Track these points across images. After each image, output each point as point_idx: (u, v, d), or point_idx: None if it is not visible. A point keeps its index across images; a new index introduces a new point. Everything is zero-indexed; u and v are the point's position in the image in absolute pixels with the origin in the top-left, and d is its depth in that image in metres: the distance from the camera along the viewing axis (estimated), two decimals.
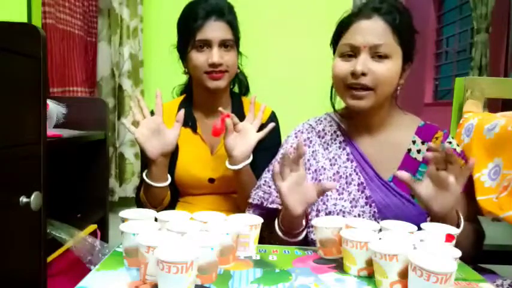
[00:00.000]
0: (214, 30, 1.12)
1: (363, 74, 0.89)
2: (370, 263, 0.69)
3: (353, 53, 0.92)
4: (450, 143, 0.99)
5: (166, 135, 1.10)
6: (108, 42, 1.91)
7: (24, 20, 1.43)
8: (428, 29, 5.25)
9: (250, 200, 1.03)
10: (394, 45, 0.91)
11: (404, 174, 0.81)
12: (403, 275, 0.64)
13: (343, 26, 0.95)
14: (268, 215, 0.96)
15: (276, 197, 0.98)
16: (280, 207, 0.97)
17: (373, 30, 0.90)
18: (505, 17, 3.51)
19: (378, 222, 0.84)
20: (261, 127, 1.23)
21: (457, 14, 4.86)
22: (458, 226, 0.82)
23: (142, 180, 1.19)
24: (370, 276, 0.71)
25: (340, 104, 1.04)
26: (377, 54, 0.90)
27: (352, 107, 0.93)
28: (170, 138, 1.10)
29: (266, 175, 1.05)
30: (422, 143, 0.98)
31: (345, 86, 0.93)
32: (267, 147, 1.17)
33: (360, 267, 0.71)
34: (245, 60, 1.29)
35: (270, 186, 1.02)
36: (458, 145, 1.01)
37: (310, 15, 1.93)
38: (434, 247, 0.68)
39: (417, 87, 5.04)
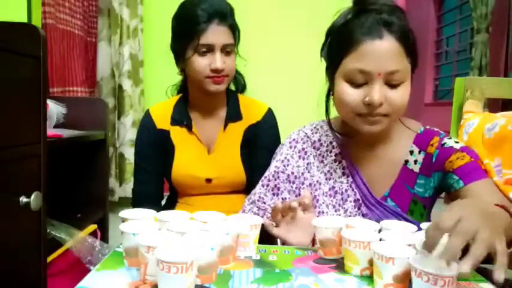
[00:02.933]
0: (217, 34, 1.11)
1: (379, 104, 0.81)
2: (372, 262, 0.69)
3: (365, 79, 0.81)
4: (444, 144, 0.90)
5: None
6: (108, 42, 1.92)
7: (24, 20, 1.43)
8: (428, 29, 5.25)
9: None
10: (407, 67, 0.83)
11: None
12: (398, 279, 0.64)
13: (347, 43, 0.82)
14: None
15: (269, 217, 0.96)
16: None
17: (387, 54, 0.79)
18: (505, 17, 3.51)
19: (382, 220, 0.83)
20: (257, 124, 1.23)
21: (457, 14, 4.85)
22: None
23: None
24: (372, 276, 0.71)
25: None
26: (392, 80, 0.81)
27: (365, 133, 0.86)
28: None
29: (260, 190, 0.99)
30: (419, 152, 0.92)
31: (356, 114, 0.84)
32: (266, 145, 1.17)
33: (363, 267, 0.71)
34: (243, 56, 1.29)
35: (264, 202, 0.98)
36: (457, 142, 0.92)
37: (308, 13, 1.93)
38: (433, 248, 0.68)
39: (417, 87, 5.04)
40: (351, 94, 0.83)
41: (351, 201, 0.93)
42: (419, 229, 0.80)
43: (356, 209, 0.92)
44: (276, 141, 1.20)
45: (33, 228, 0.92)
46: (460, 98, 1.30)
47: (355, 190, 0.93)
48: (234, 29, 1.16)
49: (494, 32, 3.64)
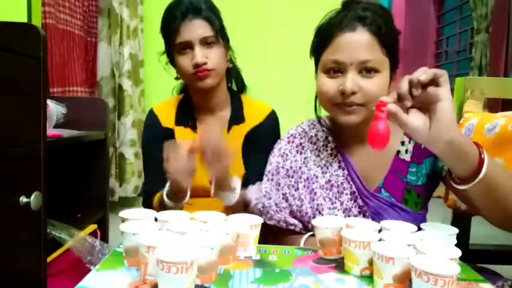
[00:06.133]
0: (191, 30, 1.09)
1: (353, 93, 0.84)
2: (372, 262, 0.69)
3: (339, 69, 0.86)
4: None
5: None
6: (108, 42, 1.92)
7: (24, 20, 1.43)
8: (428, 29, 5.25)
9: (260, 207, 1.01)
10: (382, 58, 0.86)
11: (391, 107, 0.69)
12: (398, 279, 0.64)
13: (324, 38, 0.89)
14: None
15: (275, 212, 0.98)
16: (278, 224, 0.97)
17: (359, 45, 0.84)
18: (505, 17, 3.52)
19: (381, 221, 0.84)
20: (259, 126, 1.22)
21: (457, 14, 4.86)
22: (481, 159, 0.70)
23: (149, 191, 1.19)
24: (372, 276, 0.71)
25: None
26: (365, 70, 0.85)
27: (343, 123, 0.89)
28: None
29: (266, 185, 1.01)
30: (410, 141, 0.94)
31: (333, 104, 0.89)
32: (263, 148, 1.16)
33: (363, 267, 0.71)
34: (244, 55, 1.27)
35: (270, 198, 0.99)
36: None
37: (310, 10, 1.94)
38: (434, 248, 0.68)
39: None
40: (327, 84, 0.88)
41: (347, 194, 0.94)
42: (419, 229, 0.80)
43: (352, 202, 0.93)
44: (275, 143, 1.19)
45: (33, 228, 0.92)
46: (460, 98, 1.30)
47: (350, 183, 0.94)
48: (212, 21, 1.11)
49: (494, 32, 3.64)
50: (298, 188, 0.97)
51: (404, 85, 0.69)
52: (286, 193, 0.98)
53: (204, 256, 0.65)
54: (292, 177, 0.99)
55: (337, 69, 0.87)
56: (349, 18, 0.86)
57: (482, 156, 0.70)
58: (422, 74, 0.67)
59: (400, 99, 0.69)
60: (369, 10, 0.86)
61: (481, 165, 0.69)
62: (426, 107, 0.69)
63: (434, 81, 0.68)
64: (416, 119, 0.69)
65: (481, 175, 0.69)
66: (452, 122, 0.68)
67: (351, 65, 0.85)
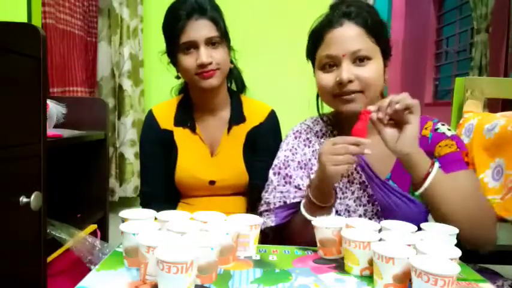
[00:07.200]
0: (197, 29, 1.09)
1: (350, 81, 0.90)
2: (372, 262, 0.69)
3: (333, 63, 0.92)
4: (437, 129, 0.95)
5: None
6: (108, 42, 1.91)
7: (24, 20, 1.43)
8: (428, 29, 5.25)
9: (271, 206, 0.99)
10: (372, 46, 0.91)
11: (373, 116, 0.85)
12: (398, 279, 0.64)
13: (317, 38, 0.96)
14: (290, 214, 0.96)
15: (295, 192, 0.97)
16: (303, 199, 0.94)
17: (348, 37, 0.91)
18: (505, 17, 3.51)
19: (382, 221, 0.84)
20: (260, 126, 1.22)
21: (457, 14, 4.85)
22: (427, 173, 0.83)
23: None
24: (372, 276, 0.71)
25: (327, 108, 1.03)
26: (358, 59, 0.90)
27: (345, 112, 0.93)
28: None
29: (274, 178, 1.02)
30: None
31: (333, 96, 0.94)
32: (266, 147, 1.16)
33: (363, 267, 0.71)
34: (243, 55, 1.27)
35: (284, 185, 1.00)
36: (449, 129, 0.96)
37: (309, 10, 1.94)
38: (434, 248, 0.68)
39: (417, 87, 5.04)
40: (325, 78, 0.94)
41: (356, 184, 0.96)
42: (420, 229, 0.80)
43: (362, 191, 0.95)
44: (276, 144, 1.19)
45: (33, 228, 0.92)
46: (460, 98, 1.30)
47: (360, 173, 0.96)
48: (217, 21, 1.12)
49: (494, 32, 3.64)
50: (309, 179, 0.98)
51: (386, 101, 0.82)
52: (299, 184, 0.99)
53: (204, 256, 0.65)
54: (304, 169, 1.01)
55: (332, 64, 0.93)
56: (336, 16, 0.93)
57: (430, 170, 0.82)
58: (399, 102, 0.81)
59: (379, 110, 0.83)
60: (353, 6, 0.93)
61: (425, 178, 0.82)
62: (400, 125, 0.83)
63: (409, 109, 0.81)
64: (389, 131, 0.84)
65: (425, 184, 0.82)
66: (413, 141, 0.83)
67: (343, 56, 0.90)
